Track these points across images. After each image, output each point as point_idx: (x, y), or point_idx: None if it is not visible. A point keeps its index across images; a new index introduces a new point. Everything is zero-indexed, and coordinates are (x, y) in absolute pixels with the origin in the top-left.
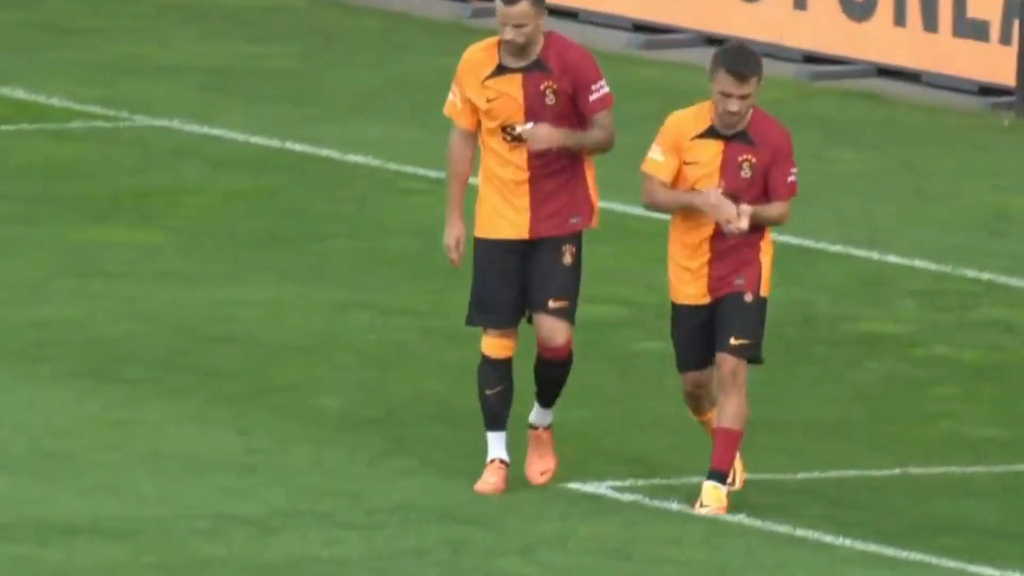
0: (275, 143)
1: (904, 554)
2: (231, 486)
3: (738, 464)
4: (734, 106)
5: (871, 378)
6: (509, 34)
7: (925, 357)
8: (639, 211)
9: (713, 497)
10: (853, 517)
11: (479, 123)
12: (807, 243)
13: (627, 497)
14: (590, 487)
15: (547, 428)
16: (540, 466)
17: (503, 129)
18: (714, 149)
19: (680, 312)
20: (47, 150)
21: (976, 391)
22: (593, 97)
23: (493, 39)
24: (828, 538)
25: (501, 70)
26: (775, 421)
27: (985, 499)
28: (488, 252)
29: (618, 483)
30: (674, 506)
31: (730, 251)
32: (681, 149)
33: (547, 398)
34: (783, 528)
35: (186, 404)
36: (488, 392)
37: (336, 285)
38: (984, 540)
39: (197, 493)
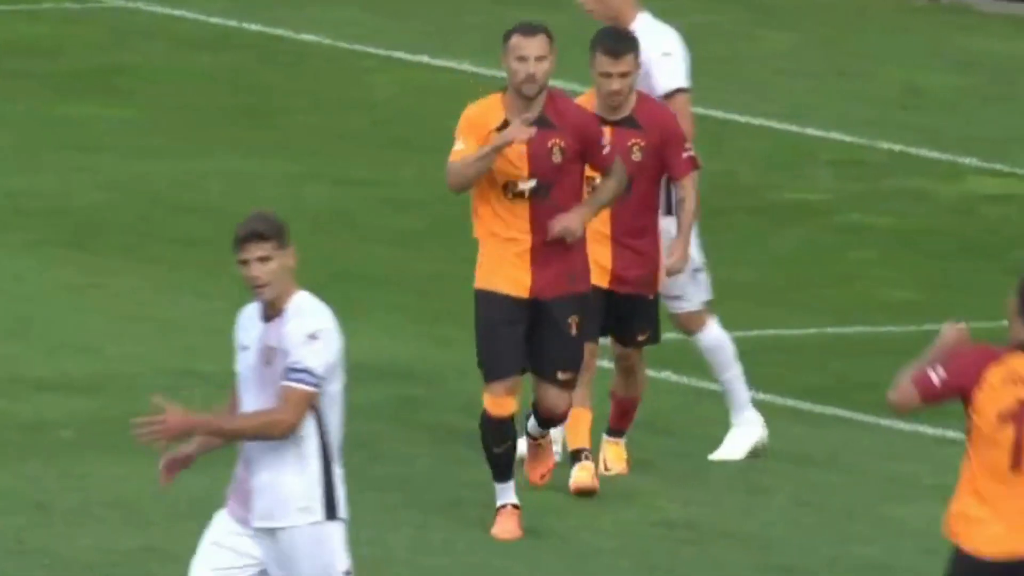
0: (233, 23)
1: (820, 408)
2: (194, 346)
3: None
4: (615, 85)
5: (790, 244)
6: (531, 68)
7: (841, 224)
8: None
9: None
10: (773, 373)
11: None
12: (731, 116)
13: None
14: None
15: (544, 436)
16: (540, 468)
17: (504, 187)
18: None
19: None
20: (22, 30)
21: (889, 255)
22: (605, 151)
23: (494, 96)
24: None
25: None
26: None
27: (898, 356)
28: (494, 305)
29: None
30: (605, 364)
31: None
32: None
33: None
34: (707, 384)
35: (153, 270)
36: (496, 450)
37: (294, 158)
38: None
39: (162, 352)
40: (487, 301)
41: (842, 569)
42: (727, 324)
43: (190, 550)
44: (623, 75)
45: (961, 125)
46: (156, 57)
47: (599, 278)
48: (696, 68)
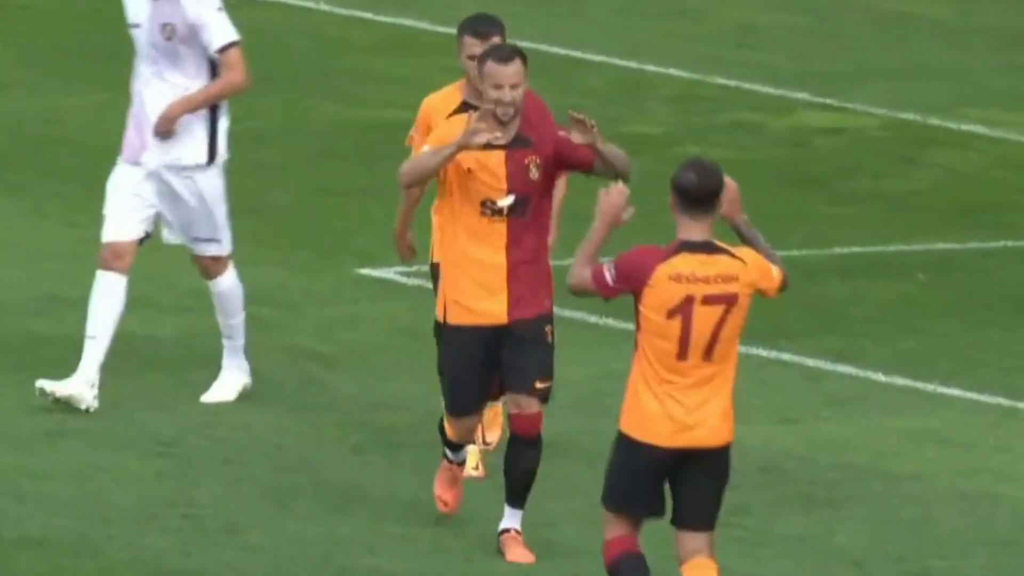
0: None
1: None
2: (63, 272)
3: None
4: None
5: (631, 175)
6: (507, 96)
7: (679, 156)
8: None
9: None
10: (619, 301)
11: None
12: (575, 53)
13: (412, 282)
14: (380, 272)
15: (519, 532)
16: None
17: (483, 204)
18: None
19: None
20: None
21: None
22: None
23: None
24: (593, 318)
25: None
26: None
27: None
28: (461, 340)
29: (405, 268)
30: None
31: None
32: (436, 127)
33: (518, 495)
34: (567, 313)
35: (22, 200)
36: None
37: None
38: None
39: (32, 279)
40: (459, 336)
41: None
42: (567, 253)
43: (61, 468)
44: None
45: (793, 62)
46: None
47: None
48: (543, 9)
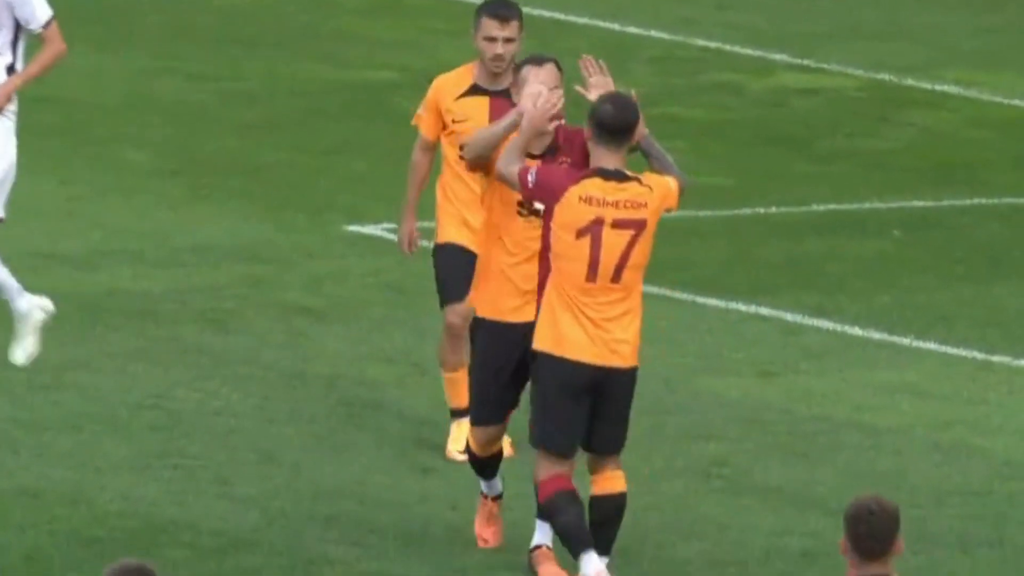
0: None
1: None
2: (54, 229)
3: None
4: (500, 48)
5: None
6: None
7: (660, 116)
8: None
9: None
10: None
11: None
12: (558, 16)
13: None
14: (367, 229)
15: (550, 548)
16: (553, 574)
17: (520, 204)
18: (480, 105)
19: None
20: None
21: (705, 146)
22: None
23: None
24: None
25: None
26: None
27: (713, 239)
28: (500, 341)
29: (391, 225)
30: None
31: None
32: (446, 110)
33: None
34: None
35: None
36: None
37: (146, 53)
38: (713, 274)
39: (23, 236)
40: (495, 335)
41: (660, 439)
42: None
43: (55, 420)
44: (508, 40)
45: (773, 24)
46: None
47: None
48: None
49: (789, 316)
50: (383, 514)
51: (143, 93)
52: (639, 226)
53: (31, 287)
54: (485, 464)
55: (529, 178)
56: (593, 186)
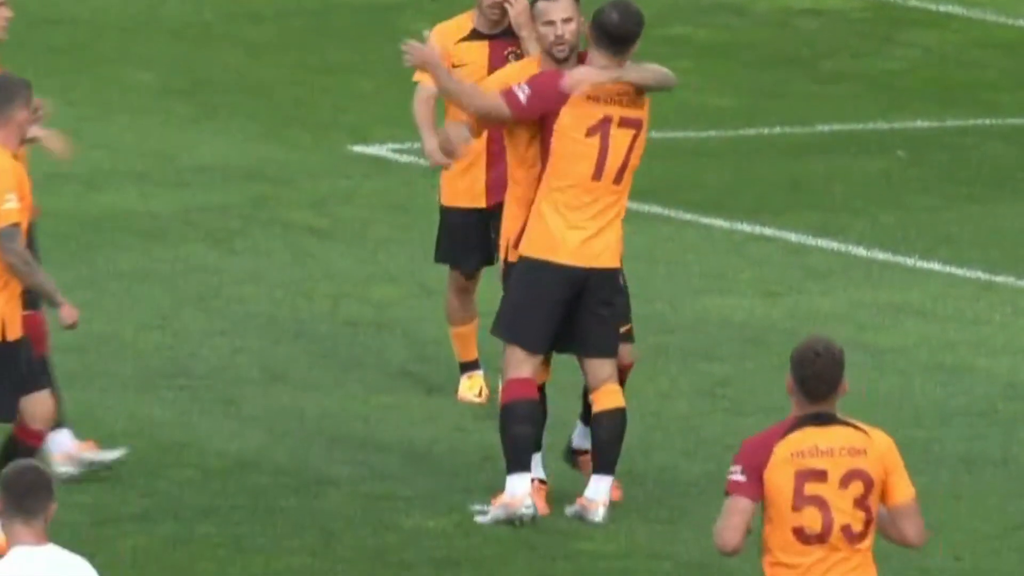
0: None
1: (647, 208)
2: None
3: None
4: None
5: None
6: (559, 30)
7: (664, 36)
8: None
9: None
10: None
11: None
12: None
13: (405, 159)
14: (372, 149)
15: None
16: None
17: None
18: (479, 49)
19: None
20: None
21: (709, 66)
22: None
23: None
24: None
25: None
26: None
27: (717, 159)
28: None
29: (397, 145)
30: None
31: None
32: (448, 54)
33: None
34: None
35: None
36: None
37: None
38: (717, 195)
39: (30, 156)
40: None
41: (664, 359)
42: None
43: (60, 340)
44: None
45: None
46: None
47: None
48: None
49: (793, 236)
50: (388, 434)
51: (150, 13)
52: (638, 126)
53: (38, 206)
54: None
55: (520, 95)
56: (598, 89)
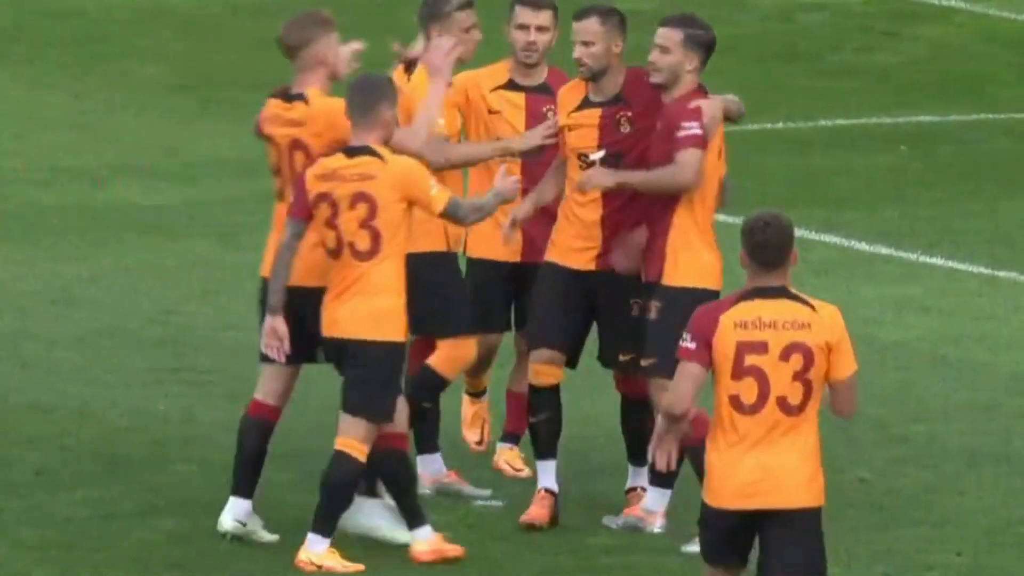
0: None
1: None
2: (65, 143)
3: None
4: (531, 36)
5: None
6: (577, 52)
7: None
8: None
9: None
10: None
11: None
12: None
13: None
14: None
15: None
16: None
17: (579, 157)
18: (516, 100)
19: None
20: None
21: (713, 60)
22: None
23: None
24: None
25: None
26: None
27: None
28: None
29: None
30: None
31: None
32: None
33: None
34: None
35: (25, 71)
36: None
37: None
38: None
39: (35, 149)
40: (549, 270)
41: None
42: None
43: (64, 335)
44: (540, 28)
45: None
46: None
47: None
48: None
49: (796, 231)
50: None
51: (156, 7)
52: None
53: (40, 201)
54: (539, 405)
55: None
56: None
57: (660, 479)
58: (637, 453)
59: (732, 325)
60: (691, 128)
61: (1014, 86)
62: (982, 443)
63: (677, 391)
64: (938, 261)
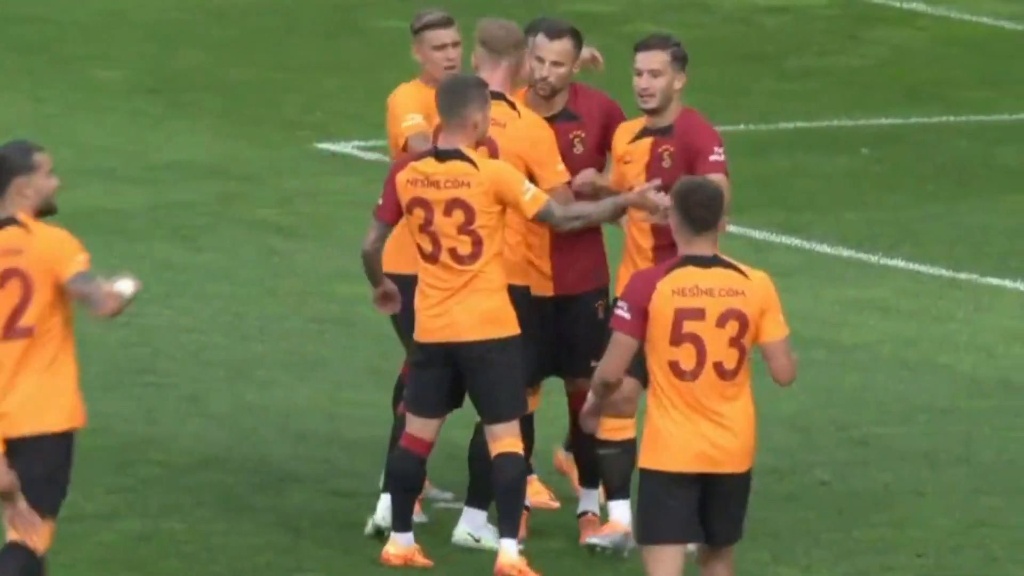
0: None
1: None
2: None
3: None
4: (545, 71)
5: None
6: (543, 72)
7: (633, 33)
8: None
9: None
10: None
11: None
12: None
13: (370, 156)
14: (338, 147)
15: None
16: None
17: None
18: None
19: None
20: None
21: None
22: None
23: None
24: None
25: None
26: None
27: None
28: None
29: (362, 143)
30: None
31: None
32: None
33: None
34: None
35: None
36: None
37: None
38: None
39: None
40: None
41: None
42: None
43: None
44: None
45: None
46: None
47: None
48: None
49: (757, 233)
50: (354, 431)
51: (118, 11)
52: None
53: None
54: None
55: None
56: None
57: (618, 490)
58: (589, 476)
59: (670, 292)
60: (720, 154)
61: (975, 89)
62: (942, 445)
63: (611, 360)
64: (899, 263)
